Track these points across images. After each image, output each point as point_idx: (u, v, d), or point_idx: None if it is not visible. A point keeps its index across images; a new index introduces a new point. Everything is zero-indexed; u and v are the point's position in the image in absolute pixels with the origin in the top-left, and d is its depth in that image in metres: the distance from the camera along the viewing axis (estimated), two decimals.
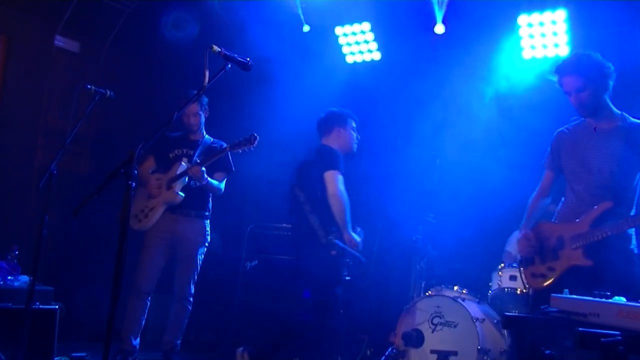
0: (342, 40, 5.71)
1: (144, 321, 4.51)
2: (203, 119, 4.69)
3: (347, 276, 4.20)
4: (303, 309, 3.95)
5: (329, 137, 4.31)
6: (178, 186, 4.46)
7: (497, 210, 4.69)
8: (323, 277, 3.99)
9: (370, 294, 5.33)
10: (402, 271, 5.09)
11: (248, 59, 2.82)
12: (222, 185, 4.64)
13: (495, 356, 4.04)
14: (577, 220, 3.10)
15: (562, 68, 3.19)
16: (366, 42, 5.66)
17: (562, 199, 3.38)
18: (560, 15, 4.75)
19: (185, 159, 4.53)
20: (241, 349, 4.06)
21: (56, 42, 5.64)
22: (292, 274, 4.46)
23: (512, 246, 4.73)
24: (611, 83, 3.13)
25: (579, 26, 4.76)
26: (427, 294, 4.46)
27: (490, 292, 4.62)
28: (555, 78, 3.23)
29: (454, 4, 5.07)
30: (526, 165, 4.27)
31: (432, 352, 4.12)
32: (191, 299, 4.58)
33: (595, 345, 1.83)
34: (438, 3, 5.01)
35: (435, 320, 4.21)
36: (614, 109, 3.19)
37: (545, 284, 3.16)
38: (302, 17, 5.54)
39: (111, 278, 2.23)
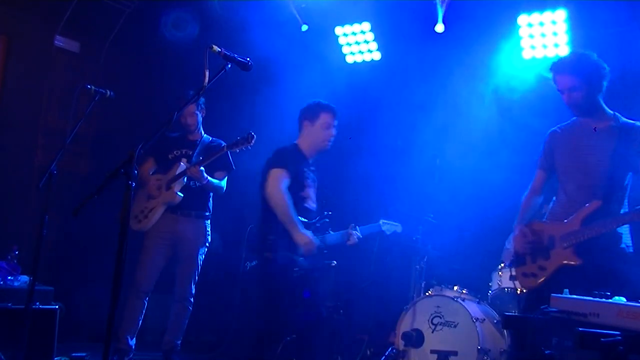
0: (342, 40, 5.70)
1: (141, 321, 4.52)
2: (200, 119, 4.70)
3: (308, 293, 3.76)
4: (303, 309, 3.92)
5: (300, 133, 3.95)
6: (177, 186, 4.47)
7: (497, 210, 4.68)
8: (264, 295, 3.75)
9: (370, 294, 5.33)
10: (402, 271, 5.09)
11: (248, 59, 2.81)
12: (224, 183, 4.65)
13: (495, 356, 4.04)
14: (568, 219, 3.12)
15: (558, 66, 3.20)
16: (366, 42, 5.65)
17: (554, 198, 3.40)
18: (560, 15, 4.75)
19: (184, 160, 4.53)
20: None
21: (56, 42, 5.64)
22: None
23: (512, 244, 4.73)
24: (605, 84, 3.14)
25: (579, 26, 4.76)
26: (427, 294, 4.46)
27: (490, 292, 4.61)
28: (550, 75, 3.24)
29: (455, 4, 5.06)
30: (526, 165, 4.26)
31: (432, 352, 4.12)
32: (192, 299, 4.59)
33: (595, 345, 1.83)
34: (440, 1, 5.00)
35: (435, 320, 4.21)
36: (607, 109, 3.21)
37: (537, 283, 3.18)
38: (297, 17, 5.55)
39: (111, 278, 2.23)
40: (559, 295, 2.34)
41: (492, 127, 4.94)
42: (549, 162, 3.39)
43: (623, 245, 3.10)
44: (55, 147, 5.13)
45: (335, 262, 5.21)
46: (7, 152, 5.30)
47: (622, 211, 3.09)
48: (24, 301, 3.42)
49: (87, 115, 3.71)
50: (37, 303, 3.73)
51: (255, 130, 4.20)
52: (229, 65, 2.75)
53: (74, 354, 4.35)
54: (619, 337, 1.83)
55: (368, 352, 4.96)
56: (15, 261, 4.19)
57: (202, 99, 4.64)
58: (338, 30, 5.65)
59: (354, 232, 3.93)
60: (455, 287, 4.47)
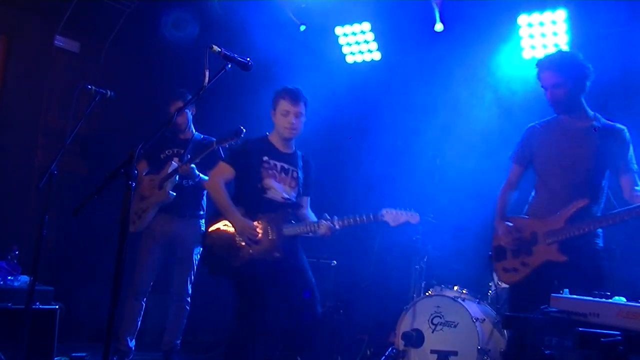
0: (342, 40, 5.71)
1: (140, 322, 4.53)
2: (190, 117, 4.69)
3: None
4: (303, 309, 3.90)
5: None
6: (169, 185, 4.45)
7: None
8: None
9: (370, 294, 5.33)
10: (402, 271, 5.08)
11: (248, 59, 2.81)
12: None
13: (495, 356, 4.04)
14: (552, 216, 3.14)
15: (544, 63, 3.24)
16: (366, 42, 5.65)
17: (533, 193, 3.42)
18: (560, 15, 4.75)
19: (176, 159, 4.52)
20: None
21: (56, 42, 5.64)
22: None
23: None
24: (588, 84, 3.18)
25: (579, 26, 4.76)
26: (427, 294, 4.46)
27: (490, 292, 4.61)
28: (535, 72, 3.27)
29: (455, 4, 5.07)
30: None
31: (432, 352, 4.13)
32: (189, 299, 4.59)
33: (595, 345, 1.83)
34: (434, 1, 5.01)
35: (435, 320, 4.21)
36: (588, 109, 3.25)
37: (518, 278, 3.21)
38: (294, 19, 5.55)
39: (111, 278, 2.23)
40: (559, 295, 2.34)
41: (492, 127, 4.94)
42: (526, 157, 3.42)
43: (600, 243, 3.18)
44: (55, 147, 5.13)
45: (335, 262, 5.21)
46: (7, 152, 5.30)
47: (599, 211, 3.15)
48: (24, 301, 3.42)
49: (87, 115, 3.71)
50: (37, 303, 3.74)
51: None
52: (229, 65, 2.76)
53: (74, 354, 4.36)
54: (619, 337, 1.83)
55: (368, 352, 4.96)
56: (15, 261, 4.19)
57: (190, 96, 4.63)
58: (338, 30, 5.65)
59: (325, 222, 3.57)
60: (455, 287, 4.47)
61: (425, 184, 5.03)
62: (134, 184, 2.36)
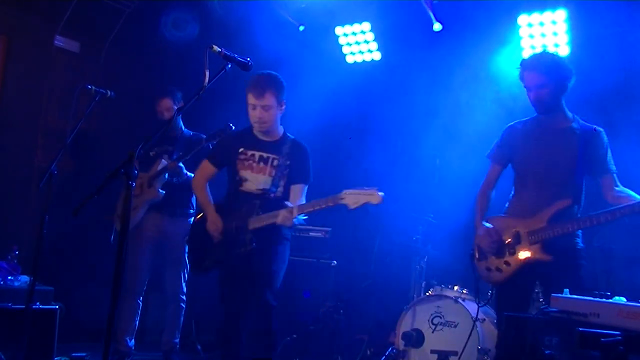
0: (342, 40, 5.71)
1: (137, 321, 4.52)
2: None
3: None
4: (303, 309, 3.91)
5: None
6: (158, 183, 4.44)
7: (497, 210, 4.68)
8: None
9: (370, 294, 5.33)
10: (402, 271, 5.08)
11: (248, 59, 2.82)
12: None
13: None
14: (534, 215, 3.16)
15: (528, 63, 3.26)
16: (366, 42, 5.66)
17: (512, 192, 3.43)
18: (560, 15, 4.75)
19: (165, 156, 4.51)
20: None
21: (56, 42, 5.63)
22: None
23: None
24: (570, 86, 3.21)
25: (579, 26, 4.76)
26: (427, 294, 4.46)
27: (490, 292, 4.61)
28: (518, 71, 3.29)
29: (455, 4, 5.07)
30: None
31: (432, 352, 4.12)
32: (184, 297, 4.59)
33: (595, 345, 1.83)
34: (425, 2, 5.01)
35: (436, 320, 4.21)
36: (567, 110, 3.28)
37: (502, 278, 3.22)
38: (292, 20, 5.55)
39: (111, 278, 2.23)
40: (559, 295, 2.34)
41: (492, 127, 4.92)
42: (505, 157, 3.43)
43: (580, 242, 3.21)
44: (55, 147, 5.13)
45: (335, 262, 5.21)
46: (7, 152, 5.30)
47: (579, 211, 3.19)
48: (24, 301, 3.43)
49: (87, 115, 3.71)
50: (37, 303, 3.73)
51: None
52: (229, 65, 2.76)
53: (74, 354, 4.35)
54: (619, 337, 1.83)
55: (368, 352, 4.96)
56: (15, 261, 4.19)
57: (179, 94, 4.63)
58: (338, 30, 5.65)
59: (283, 210, 3.38)
60: (456, 287, 4.46)
61: (426, 184, 5.03)
62: (134, 184, 2.37)
